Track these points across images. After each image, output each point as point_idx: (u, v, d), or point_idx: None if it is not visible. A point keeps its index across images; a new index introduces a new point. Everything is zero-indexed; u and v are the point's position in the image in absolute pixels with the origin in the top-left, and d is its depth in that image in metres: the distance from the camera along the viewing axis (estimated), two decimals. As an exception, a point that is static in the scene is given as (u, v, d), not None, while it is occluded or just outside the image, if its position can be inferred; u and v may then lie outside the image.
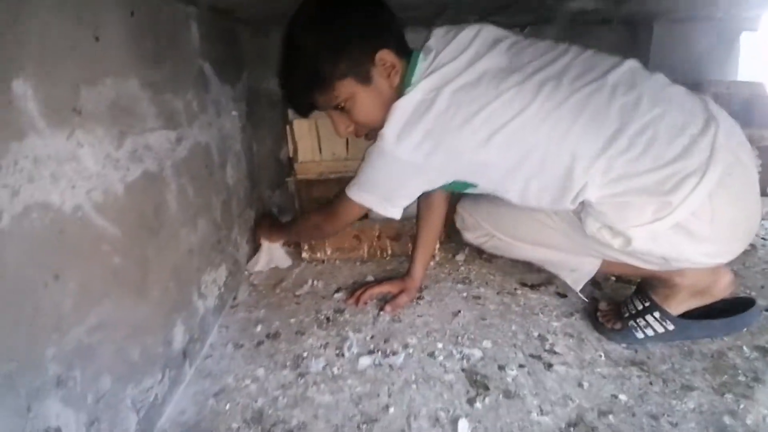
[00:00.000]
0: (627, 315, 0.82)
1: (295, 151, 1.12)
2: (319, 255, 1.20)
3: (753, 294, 0.94)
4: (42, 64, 0.46)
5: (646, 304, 0.81)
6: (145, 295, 0.64)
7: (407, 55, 0.72)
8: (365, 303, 0.97)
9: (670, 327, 0.78)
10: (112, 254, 0.57)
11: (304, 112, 0.80)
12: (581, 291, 0.86)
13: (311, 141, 1.12)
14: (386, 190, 0.76)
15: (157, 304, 0.68)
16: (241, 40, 1.24)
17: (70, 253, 0.50)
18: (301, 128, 1.10)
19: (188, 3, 0.85)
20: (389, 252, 1.21)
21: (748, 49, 1.58)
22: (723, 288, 0.78)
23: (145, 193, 0.66)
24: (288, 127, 1.10)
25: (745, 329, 0.81)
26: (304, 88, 0.72)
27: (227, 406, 0.70)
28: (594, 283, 1.02)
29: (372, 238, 1.20)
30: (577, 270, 0.84)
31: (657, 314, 0.79)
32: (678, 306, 0.78)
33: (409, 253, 1.19)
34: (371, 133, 0.75)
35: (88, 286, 0.52)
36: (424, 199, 0.95)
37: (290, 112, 1.09)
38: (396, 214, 0.79)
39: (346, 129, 0.78)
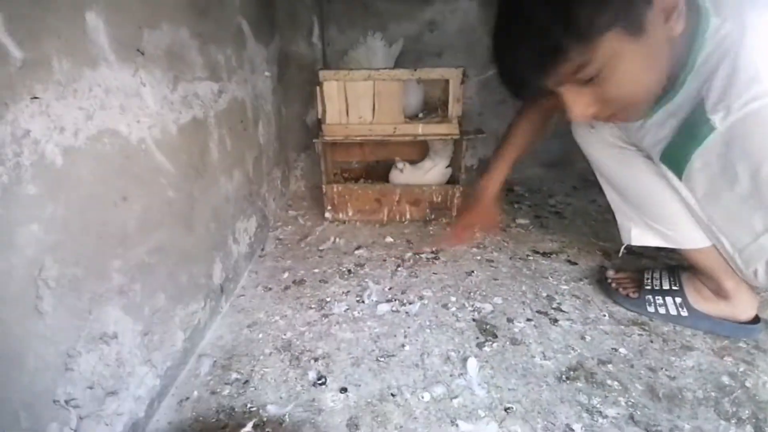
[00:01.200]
0: (649, 287, 0.83)
1: (324, 113, 1.16)
2: (341, 216, 1.26)
3: None
4: (111, 1, 0.51)
5: (675, 287, 0.81)
6: (192, 229, 0.71)
7: None
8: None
9: (684, 314, 0.79)
10: (168, 187, 0.63)
11: (533, 91, 0.54)
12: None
13: (339, 104, 1.15)
14: None
15: (202, 239, 0.74)
16: (276, 2, 1.27)
17: (135, 179, 0.56)
18: (331, 90, 1.13)
19: (231, -40, 0.88)
20: (408, 216, 1.26)
21: None
22: (748, 317, 0.77)
23: (194, 137, 0.71)
24: (318, 89, 1.13)
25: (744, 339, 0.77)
26: (544, 54, 0.48)
27: (260, 336, 0.77)
28: (604, 253, 1.06)
29: (392, 203, 1.25)
30: (665, 234, 0.73)
31: (679, 300, 0.79)
32: (704, 304, 0.78)
33: (427, 218, 1.25)
34: (622, 112, 0.55)
35: (150, 212, 0.59)
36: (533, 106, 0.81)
37: (321, 74, 1.11)
38: None
39: (587, 110, 0.53)
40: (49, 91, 0.43)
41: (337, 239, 1.15)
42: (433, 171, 1.26)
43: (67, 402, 0.46)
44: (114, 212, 0.52)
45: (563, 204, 1.38)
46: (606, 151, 0.71)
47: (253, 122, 1.06)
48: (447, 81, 1.13)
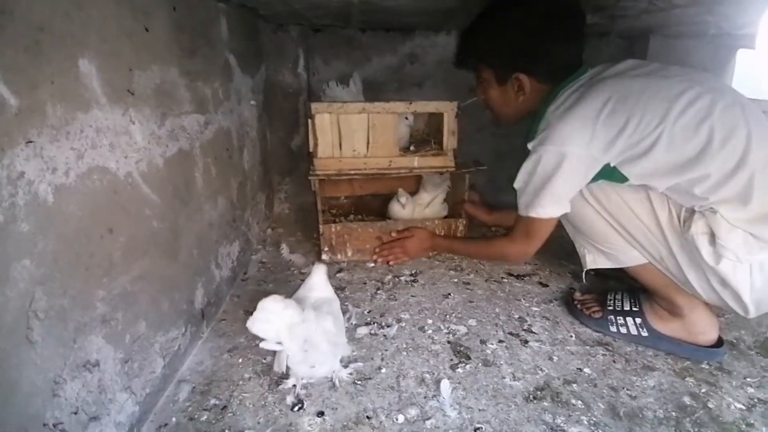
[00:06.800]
0: (611, 308, 0.89)
1: (316, 146, 1.08)
2: (339, 257, 1.18)
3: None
4: (103, 48, 0.55)
5: (635, 308, 0.87)
6: (175, 257, 0.73)
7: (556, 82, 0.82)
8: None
9: (644, 334, 0.84)
10: (152, 218, 0.66)
11: (457, 63, 0.95)
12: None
13: (332, 137, 1.10)
14: None
15: (184, 266, 0.77)
16: (262, 35, 1.34)
17: (121, 212, 0.59)
18: (323, 123, 1.07)
19: (219, 0, 0.94)
20: None
21: (746, 67, 1.65)
22: (707, 340, 0.81)
23: (179, 168, 0.75)
24: (309, 122, 1.07)
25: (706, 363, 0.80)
26: (466, 45, 0.92)
27: (240, 360, 0.79)
28: (574, 275, 1.11)
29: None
30: (610, 255, 0.84)
31: (639, 321, 0.85)
32: (662, 325, 0.83)
33: (430, 254, 1.21)
34: (492, 112, 0.96)
35: (134, 242, 0.61)
36: None
37: (312, 106, 1.08)
38: None
39: (480, 94, 0.95)
40: (44, 135, 0.46)
41: (320, 262, 1.18)
42: (432, 204, 1.25)
43: (54, 426, 0.48)
44: (100, 244, 0.55)
45: (538, 227, 1.44)
46: None
47: (239, 150, 1.10)
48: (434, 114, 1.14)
